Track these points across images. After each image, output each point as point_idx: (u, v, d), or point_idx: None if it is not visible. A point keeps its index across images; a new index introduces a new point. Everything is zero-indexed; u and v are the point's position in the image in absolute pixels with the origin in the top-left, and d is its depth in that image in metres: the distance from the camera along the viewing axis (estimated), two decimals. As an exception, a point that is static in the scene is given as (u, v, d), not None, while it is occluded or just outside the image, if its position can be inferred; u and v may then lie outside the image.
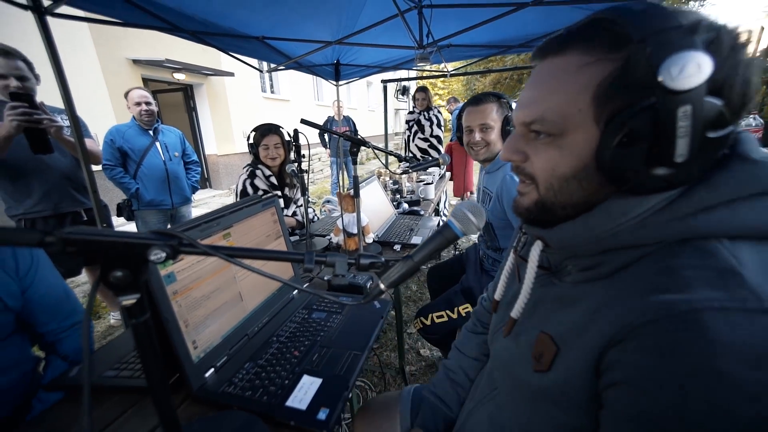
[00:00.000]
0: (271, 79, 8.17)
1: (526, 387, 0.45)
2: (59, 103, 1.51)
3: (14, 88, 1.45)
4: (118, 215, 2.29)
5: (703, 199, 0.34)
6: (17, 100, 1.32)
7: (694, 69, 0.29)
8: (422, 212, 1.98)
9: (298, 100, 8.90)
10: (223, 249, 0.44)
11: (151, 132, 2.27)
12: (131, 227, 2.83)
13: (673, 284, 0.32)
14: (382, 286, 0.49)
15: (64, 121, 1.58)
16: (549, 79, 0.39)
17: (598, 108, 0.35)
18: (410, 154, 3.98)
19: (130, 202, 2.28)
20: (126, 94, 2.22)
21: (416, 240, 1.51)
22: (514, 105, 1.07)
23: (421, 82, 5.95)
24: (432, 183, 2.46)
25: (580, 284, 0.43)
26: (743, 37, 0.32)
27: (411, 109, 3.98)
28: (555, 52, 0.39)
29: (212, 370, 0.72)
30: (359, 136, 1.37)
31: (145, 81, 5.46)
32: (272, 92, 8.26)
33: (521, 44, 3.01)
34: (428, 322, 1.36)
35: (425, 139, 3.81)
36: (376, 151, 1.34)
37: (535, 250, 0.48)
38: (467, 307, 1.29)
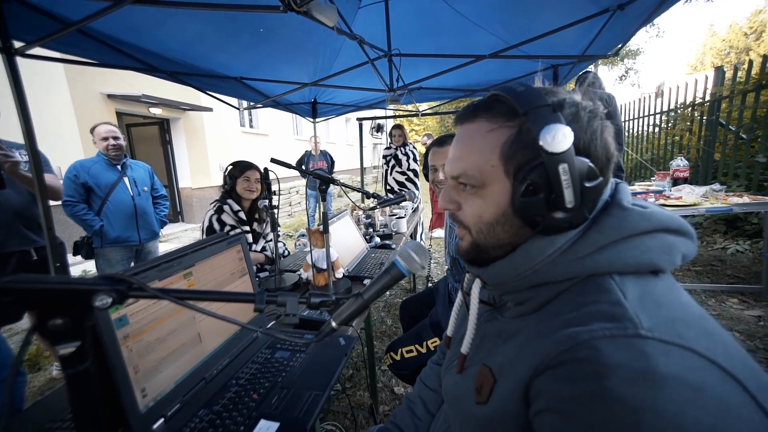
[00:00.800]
0: (250, 114, 8.31)
1: (473, 420, 0.47)
2: (15, 137, 1.48)
3: None
4: (75, 254, 2.16)
5: (597, 241, 0.40)
6: None
7: (561, 137, 0.37)
8: (393, 246, 2.01)
9: (277, 134, 9.05)
10: (174, 292, 0.44)
11: (119, 167, 2.23)
12: (90, 265, 2.66)
13: (579, 319, 0.36)
14: (333, 324, 0.51)
15: (22, 156, 1.53)
16: (467, 141, 0.46)
17: (505, 164, 0.42)
18: (389, 187, 4.11)
19: (89, 239, 2.17)
20: (92, 129, 2.19)
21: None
22: None
23: (397, 120, 6.24)
24: (404, 217, 2.53)
25: (516, 319, 0.47)
26: (598, 111, 0.42)
27: (388, 145, 4.17)
28: (469, 119, 0.46)
29: (162, 420, 0.68)
30: (333, 172, 1.42)
31: (120, 115, 5.42)
32: (251, 127, 8.37)
33: (484, 89, 3.30)
34: (398, 357, 1.34)
35: (402, 173, 3.99)
36: (346, 187, 1.39)
37: (476, 288, 0.53)
38: (436, 341, 1.29)
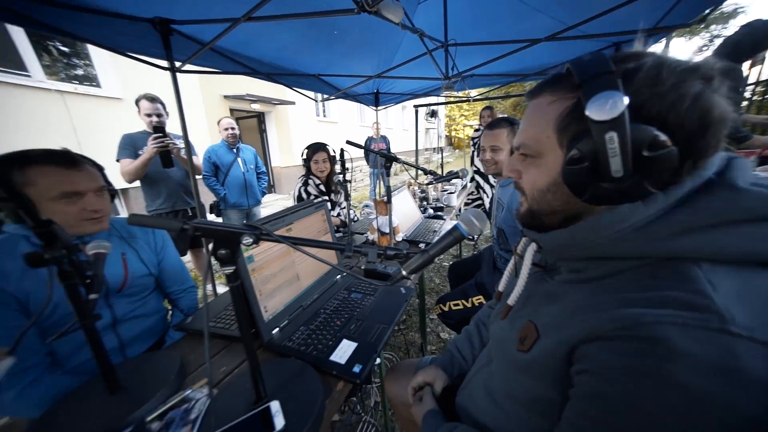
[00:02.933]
0: (323, 106, 8.55)
1: (512, 362, 0.47)
2: (177, 130, 1.77)
3: (156, 123, 1.79)
4: (210, 213, 2.57)
5: (684, 223, 0.33)
6: (156, 131, 1.66)
7: (611, 104, 0.31)
8: (445, 217, 1.99)
9: (345, 122, 9.22)
10: (290, 238, 0.52)
11: (234, 150, 2.52)
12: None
13: (645, 301, 0.32)
14: (404, 272, 0.54)
15: (180, 143, 1.84)
16: (530, 114, 0.42)
17: (559, 135, 0.38)
18: (475, 168, 3.80)
19: (218, 203, 2.55)
20: (218, 122, 2.50)
21: (438, 239, 1.53)
22: None
23: (451, 106, 5.85)
24: (454, 192, 2.45)
25: (566, 284, 0.44)
26: (698, 70, 0.31)
27: (477, 127, 3.78)
28: (535, 95, 0.42)
29: (277, 329, 0.81)
30: (392, 152, 1.43)
31: (232, 111, 6.00)
32: (324, 116, 8.64)
33: (537, 72, 2.91)
34: (446, 309, 1.38)
35: None
36: (407, 165, 1.39)
37: (530, 251, 0.50)
38: (480, 299, 1.28)
